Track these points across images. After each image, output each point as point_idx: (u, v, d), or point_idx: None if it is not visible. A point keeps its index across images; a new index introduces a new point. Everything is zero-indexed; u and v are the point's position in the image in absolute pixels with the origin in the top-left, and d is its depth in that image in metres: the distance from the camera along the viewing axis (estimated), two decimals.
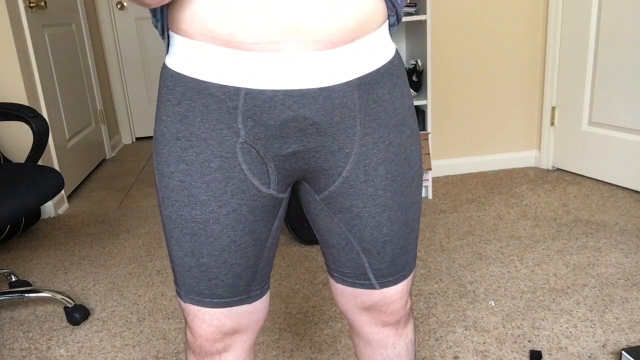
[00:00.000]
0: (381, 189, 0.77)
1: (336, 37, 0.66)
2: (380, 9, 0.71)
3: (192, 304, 0.80)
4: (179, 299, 0.82)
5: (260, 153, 0.71)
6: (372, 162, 0.75)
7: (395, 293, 0.86)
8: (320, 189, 0.78)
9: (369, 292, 0.85)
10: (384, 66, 0.74)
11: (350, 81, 0.70)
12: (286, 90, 0.67)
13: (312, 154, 0.73)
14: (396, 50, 0.78)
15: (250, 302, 0.81)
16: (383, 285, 0.84)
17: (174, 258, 0.78)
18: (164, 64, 0.74)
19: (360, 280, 0.84)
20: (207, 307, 0.79)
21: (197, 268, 0.76)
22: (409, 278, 0.87)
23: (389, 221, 0.79)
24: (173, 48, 0.71)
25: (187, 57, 0.69)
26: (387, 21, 0.75)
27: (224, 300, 0.79)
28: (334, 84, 0.68)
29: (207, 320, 0.80)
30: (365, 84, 0.72)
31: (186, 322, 0.84)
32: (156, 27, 0.73)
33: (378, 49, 0.73)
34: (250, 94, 0.67)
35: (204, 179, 0.71)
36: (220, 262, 0.76)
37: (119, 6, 3.93)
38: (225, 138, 0.70)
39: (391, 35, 1.02)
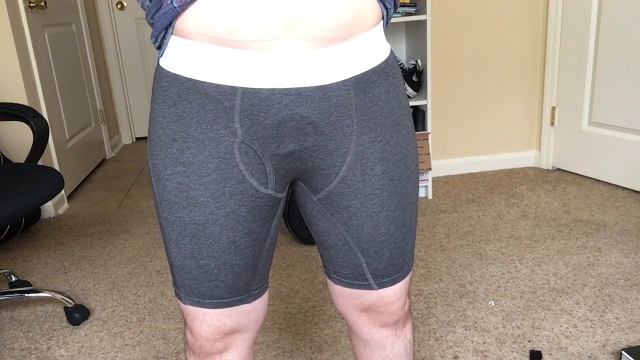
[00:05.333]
0: (378, 188, 0.76)
1: (331, 33, 0.66)
2: (375, 8, 0.71)
3: (192, 305, 0.80)
4: (178, 300, 0.82)
5: (258, 153, 0.71)
6: (369, 161, 0.75)
7: (394, 293, 0.85)
8: (317, 189, 0.78)
9: (367, 292, 0.85)
10: (379, 65, 0.74)
11: (347, 80, 0.70)
12: (283, 89, 0.67)
13: (309, 154, 0.73)
14: (391, 50, 0.78)
15: (250, 302, 0.82)
16: (381, 285, 0.84)
17: (173, 260, 0.78)
18: (158, 64, 0.73)
19: (358, 280, 0.84)
20: (208, 308, 0.79)
21: (197, 270, 0.76)
22: (407, 278, 0.87)
23: (386, 221, 0.79)
24: (167, 48, 0.71)
25: (182, 57, 0.69)
26: (382, 21, 0.75)
27: (224, 300, 0.79)
28: (330, 82, 0.68)
29: (208, 320, 0.80)
30: (362, 83, 0.72)
31: (186, 322, 0.83)
32: (151, 25, 0.73)
33: (373, 49, 0.73)
34: (247, 93, 0.67)
35: (202, 180, 0.71)
36: (220, 263, 0.76)
37: (119, 6, 3.93)
38: (223, 138, 0.70)
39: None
